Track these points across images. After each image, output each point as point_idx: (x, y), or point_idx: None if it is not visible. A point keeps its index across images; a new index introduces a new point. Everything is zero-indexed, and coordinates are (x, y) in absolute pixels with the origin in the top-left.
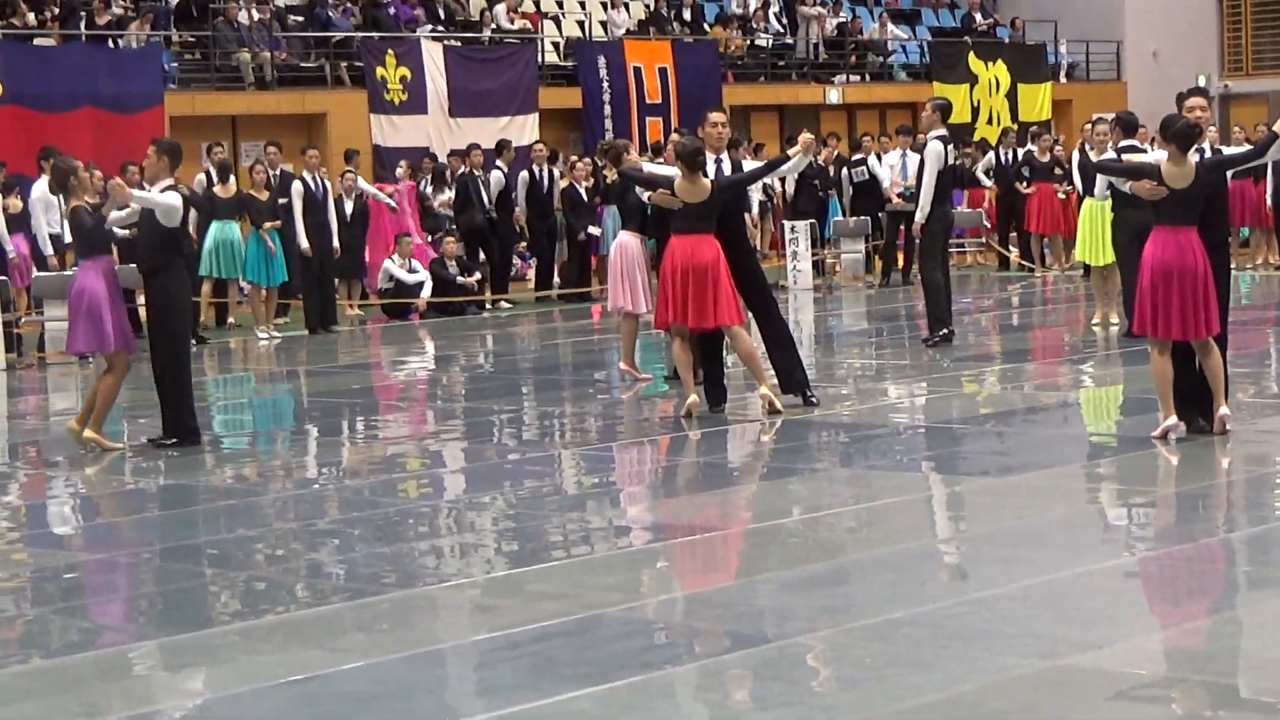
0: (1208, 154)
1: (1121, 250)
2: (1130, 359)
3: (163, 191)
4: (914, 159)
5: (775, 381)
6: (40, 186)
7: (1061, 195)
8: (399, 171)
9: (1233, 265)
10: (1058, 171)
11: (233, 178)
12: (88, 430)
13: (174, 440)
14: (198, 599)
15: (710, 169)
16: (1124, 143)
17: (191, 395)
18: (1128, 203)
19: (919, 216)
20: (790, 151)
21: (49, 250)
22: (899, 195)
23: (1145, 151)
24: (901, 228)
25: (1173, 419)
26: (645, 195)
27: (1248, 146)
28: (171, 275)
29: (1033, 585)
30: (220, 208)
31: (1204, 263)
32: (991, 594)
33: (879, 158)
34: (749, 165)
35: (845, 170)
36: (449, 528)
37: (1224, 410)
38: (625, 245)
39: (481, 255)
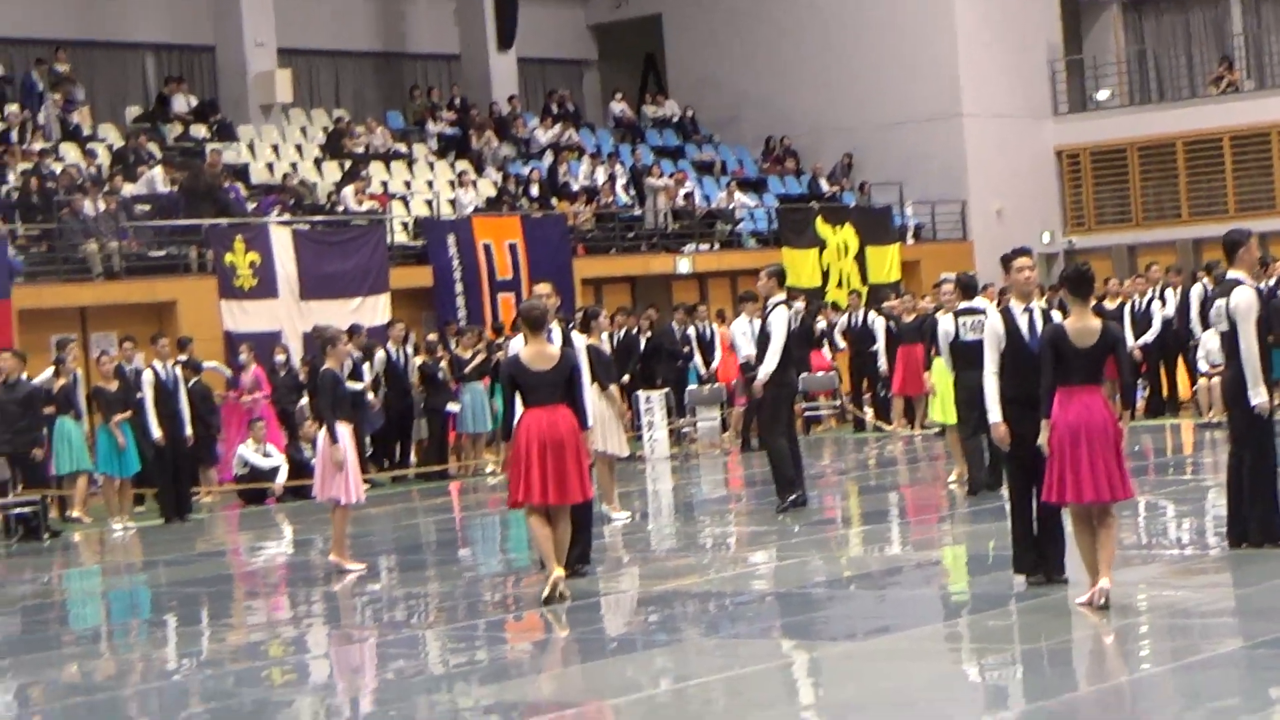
0: (1036, 313)
1: (962, 409)
2: (979, 517)
3: None
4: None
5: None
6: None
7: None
8: (242, 357)
9: None
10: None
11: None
12: None
13: None
14: None
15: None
16: (963, 305)
17: None
18: (968, 364)
19: (761, 375)
20: None
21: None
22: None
23: (984, 312)
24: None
25: (1105, 580)
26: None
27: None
28: None
29: None
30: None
31: (1112, 421)
32: None
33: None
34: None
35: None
36: (317, 715)
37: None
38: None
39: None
